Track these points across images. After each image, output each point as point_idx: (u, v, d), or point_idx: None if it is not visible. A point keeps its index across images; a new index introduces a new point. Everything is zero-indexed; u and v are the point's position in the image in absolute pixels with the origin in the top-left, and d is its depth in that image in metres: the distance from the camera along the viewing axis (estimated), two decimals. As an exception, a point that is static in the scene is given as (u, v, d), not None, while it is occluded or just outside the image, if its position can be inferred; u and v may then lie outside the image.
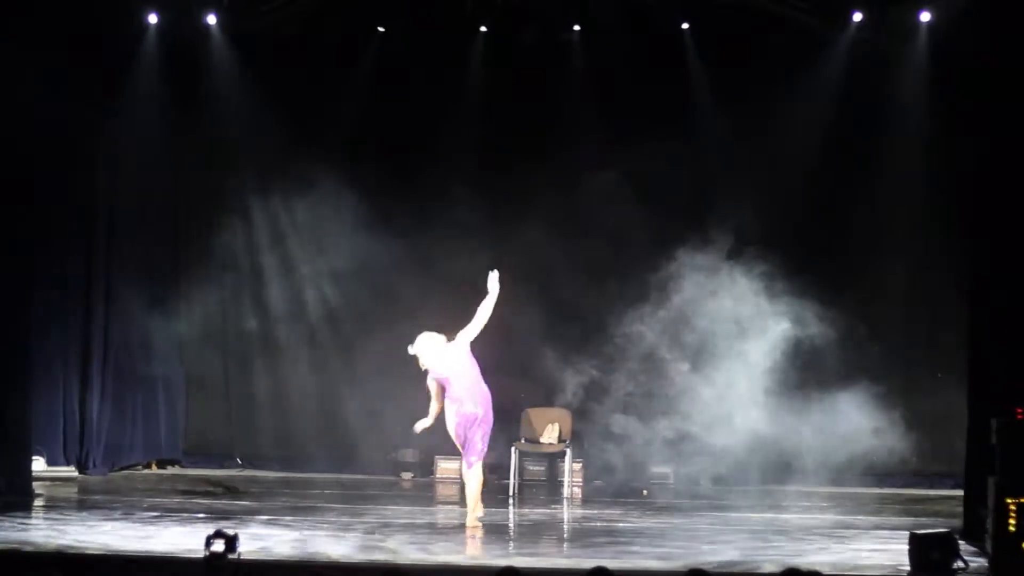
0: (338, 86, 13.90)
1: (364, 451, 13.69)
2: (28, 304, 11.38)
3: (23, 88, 10.98)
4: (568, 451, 12.83)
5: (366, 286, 13.59)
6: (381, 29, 13.83)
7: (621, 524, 10.88)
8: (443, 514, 11.54)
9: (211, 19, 13.57)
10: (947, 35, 12.67)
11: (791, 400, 11.97)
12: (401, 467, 13.72)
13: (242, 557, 7.48)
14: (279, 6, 13.32)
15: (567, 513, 11.87)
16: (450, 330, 10.54)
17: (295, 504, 11.60)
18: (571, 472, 12.82)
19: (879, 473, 12.84)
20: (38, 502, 11.27)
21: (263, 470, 14.05)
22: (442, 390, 10.39)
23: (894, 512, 11.56)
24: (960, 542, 8.86)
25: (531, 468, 13.24)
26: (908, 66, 13.18)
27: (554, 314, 13.34)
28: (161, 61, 13.61)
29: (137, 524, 10.14)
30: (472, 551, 9.60)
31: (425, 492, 13.03)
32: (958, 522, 10.04)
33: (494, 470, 12.56)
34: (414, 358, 10.32)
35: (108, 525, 10.05)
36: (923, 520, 10.64)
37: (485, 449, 10.45)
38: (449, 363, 10.33)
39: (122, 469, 13.71)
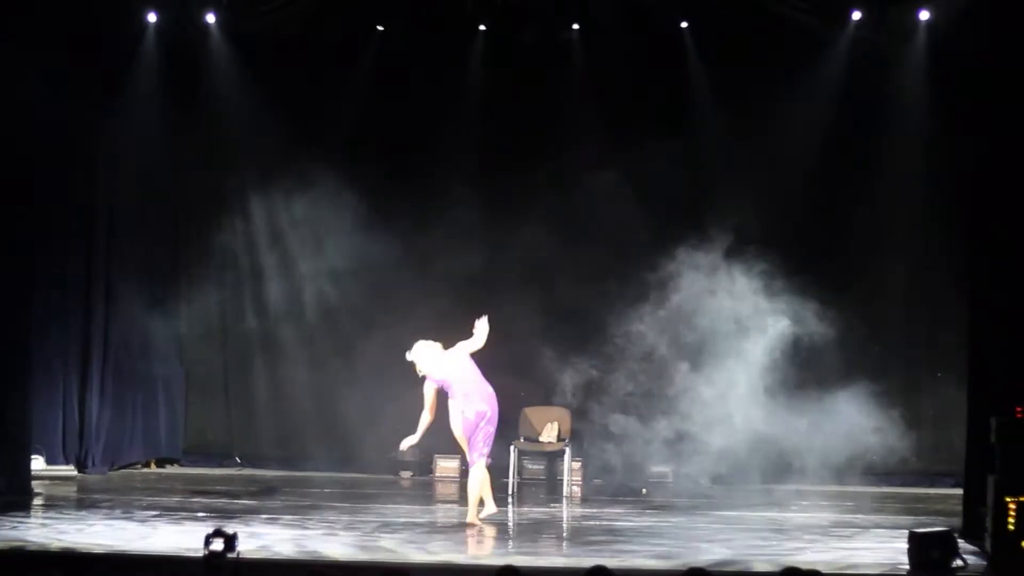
0: (338, 86, 13.90)
1: (363, 450, 13.69)
2: (28, 304, 11.40)
3: (23, 88, 11.00)
4: (567, 450, 12.83)
5: (366, 286, 13.61)
6: (381, 29, 13.83)
7: (620, 523, 10.88)
8: (442, 513, 11.55)
9: (210, 19, 13.56)
10: (947, 35, 12.66)
11: (791, 399, 11.97)
12: (400, 466, 13.72)
13: (241, 556, 7.48)
14: (279, 6, 13.31)
15: (566, 512, 11.87)
16: (449, 330, 10.55)
17: (295, 503, 11.60)
18: (570, 471, 12.82)
19: (879, 472, 12.83)
20: (37, 501, 11.29)
21: (263, 469, 14.05)
22: (437, 400, 10.38)
23: (894, 511, 11.56)
24: (960, 541, 8.89)
25: (530, 467, 13.24)
26: (908, 66, 13.18)
27: (554, 314, 13.33)
28: (161, 61, 13.62)
29: (136, 523, 10.14)
30: (471, 550, 9.60)
31: (424, 491, 13.03)
32: (958, 521, 10.05)
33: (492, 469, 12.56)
34: (411, 364, 10.36)
35: (107, 524, 10.06)
36: (923, 519, 10.66)
37: (488, 448, 10.45)
38: (448, 368, 10.35)
39: (121, 468, 13.71)
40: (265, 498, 11.92)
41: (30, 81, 11.07)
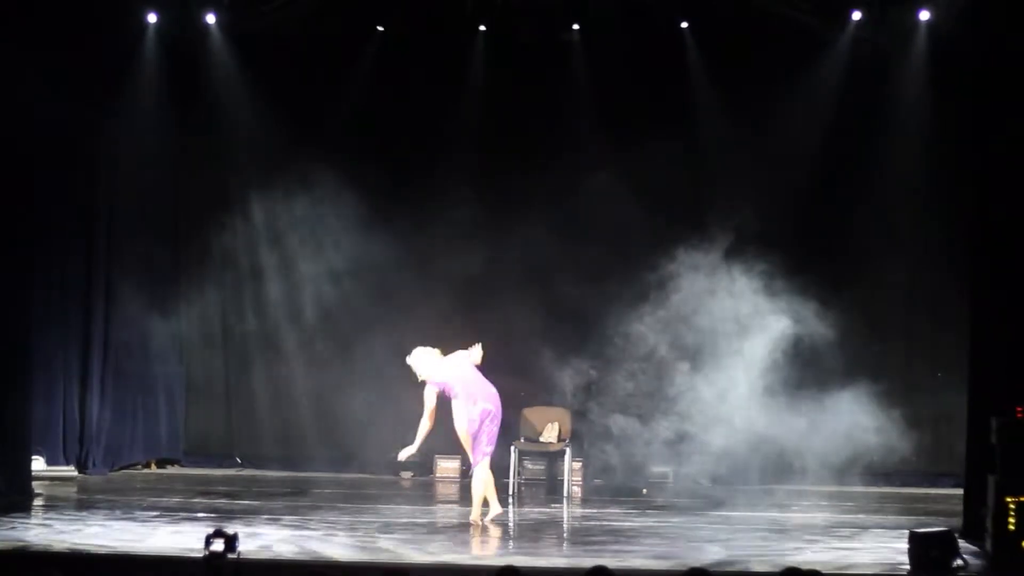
0: (338, 86, 13.89)
1: (364, 451, 13.69)
2: (28, 304, 11.38)
3: (23, 88, 10.98)
4: (568, 450, 12.82)
5: (366, 286, 13.59)
6: (381, 29, 13.83)
7: (620, 523, 10.88)
8: (443, 513, 11.54)
9: (210, 18, 13.57)
10: (947, 35, 12.65)
11: (791, 399, 11.96)
12: (401, 467, 13.69)
13: (242, 556, 7.48)
14: (279, 6, 13.32)
15: (567, 512, 11.87)
16: (449, 330, 10.56)
17: (295, 504, 11.60)
18: (571, 471, 12.82)
19: (879, 472, 12.83)
20: (38, 502, 11.28)
21: (263, 470, 14.05)
22: (438, 404, 10.37)
23: (894, 511, 11.56)
24: (960, 541, 8.90)
25: (531, 467, 13.24)
26: (908, 66, 13.17)
27: (554, 314, 13.33)
28: (161, 61, 13.63)
29: (137, 524, 10.14)
30: (471, 550, 9.60)
31: (425, 492, 13.03)
32: (958, 521, 10.05)
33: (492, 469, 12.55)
34: (411, 370, 10.38)
35: (108, 525, 10.06)
36: (923, 519, 10.66)
37: (492, 447, 10.45)
38: (448, 371, 10.36)
39: (122, 469, 13.71)
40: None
41: (30, 81, 11.05)
